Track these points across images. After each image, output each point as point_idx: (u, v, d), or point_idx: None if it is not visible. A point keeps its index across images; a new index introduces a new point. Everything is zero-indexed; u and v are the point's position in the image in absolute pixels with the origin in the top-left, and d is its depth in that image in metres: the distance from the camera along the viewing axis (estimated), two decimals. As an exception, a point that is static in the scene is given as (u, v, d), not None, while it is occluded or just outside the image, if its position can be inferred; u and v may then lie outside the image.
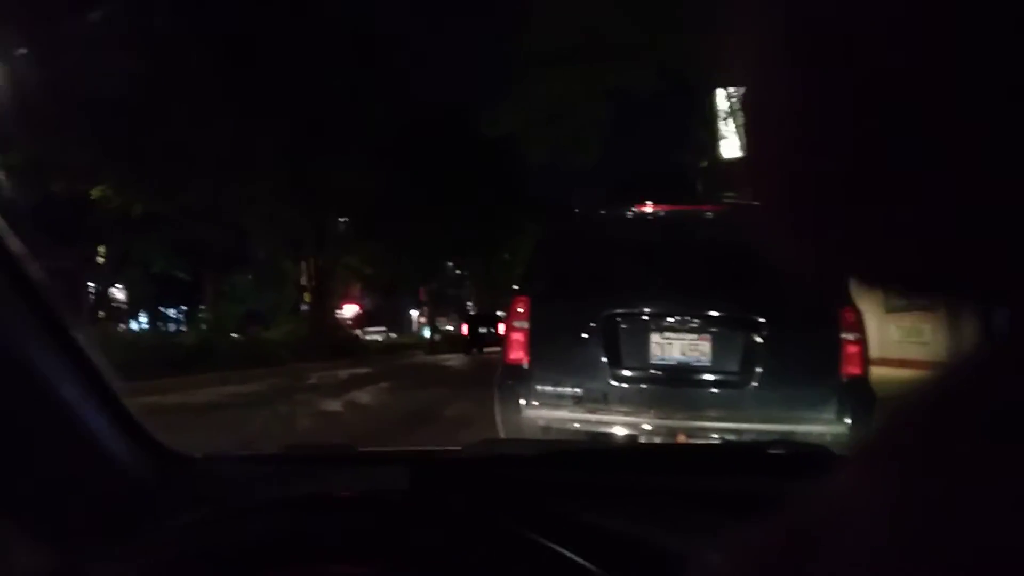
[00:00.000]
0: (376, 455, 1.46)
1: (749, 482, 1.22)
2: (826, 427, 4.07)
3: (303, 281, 28.98)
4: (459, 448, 1.32)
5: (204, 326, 23.30)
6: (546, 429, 4.22)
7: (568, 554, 0.87)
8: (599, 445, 1.81)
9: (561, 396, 4.26)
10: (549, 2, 10.52)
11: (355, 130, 23.02)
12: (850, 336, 4.16)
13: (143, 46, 14.95)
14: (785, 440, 3.17)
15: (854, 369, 4.13)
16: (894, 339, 15.39)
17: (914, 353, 15.02)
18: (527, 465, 1.29)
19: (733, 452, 1.53)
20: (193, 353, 16.51)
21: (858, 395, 4.12)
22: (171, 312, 39.06)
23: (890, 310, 16.62)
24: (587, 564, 0.86)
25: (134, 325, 33.49)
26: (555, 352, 4.35)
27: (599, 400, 4.21)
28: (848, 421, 4.05)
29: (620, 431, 4.16)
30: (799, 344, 4.24)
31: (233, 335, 22.31)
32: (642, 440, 4.17)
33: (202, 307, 29.66)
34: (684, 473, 1.26)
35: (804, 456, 1.53)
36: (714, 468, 1.31)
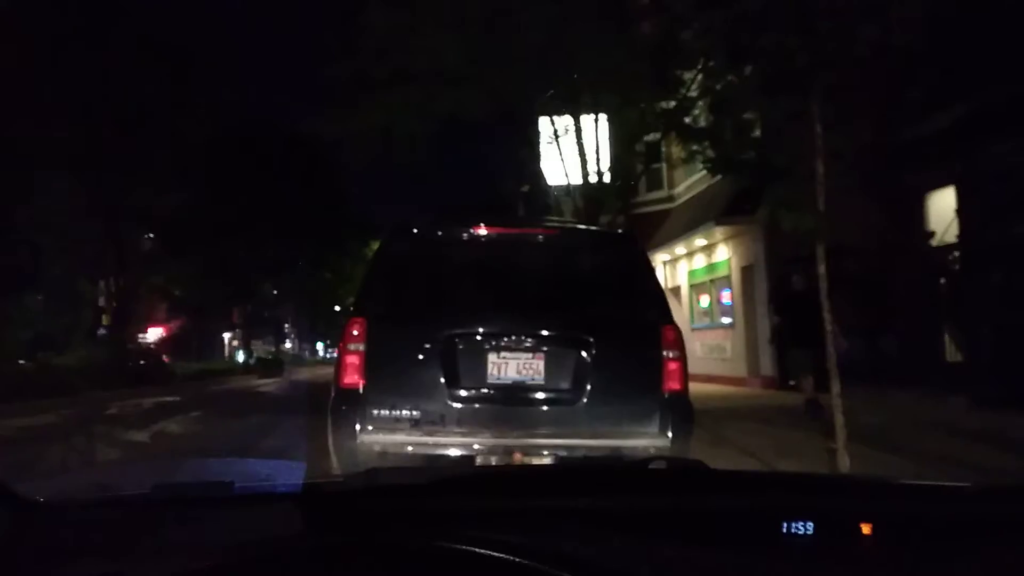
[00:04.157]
0: (256, 492, 1.36)
1: (636, 498, 1.25)
2: (650, 440, 4.29)
3: (101, 302, 26.84)
4: (341, 479, 1.26)
5: (-16, 353, 20.96)
6: (382, 455, 4.13)
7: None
8: (485, 470, 1.81)
9: (398, 420, 4.18)
10: (378, 27, 10.53)
11: (160, 143, 21.73)
12: (671, 354, 4.41)
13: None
14: (664, 455, 3.28)
15: (675, 385, 4.38)
16: (699, 355, 16.47)
17: (717, 369, 16.20)
18: (418, 495, 1.26)
19: (616, 470, 1.58)
20: (-30, 383, 14.91)
21: (679, 409, 4.38)
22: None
23: (695, 327, 17.84)
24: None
25: None
26: (392, 375, 4.26)
27: (437, 422, 4.18)
28: (670, 435, 4.29)
29: (457, 452, 4.16)
30: (625, 361, 4.43)
31: (20, 362, 20.29)
32: (480, 460, 4.19)
33: (-18, 332, 26.53)
34: (572, 494, 1.27)
35: (682, 471, 1.61)
36: (601, 487, 1.33)
